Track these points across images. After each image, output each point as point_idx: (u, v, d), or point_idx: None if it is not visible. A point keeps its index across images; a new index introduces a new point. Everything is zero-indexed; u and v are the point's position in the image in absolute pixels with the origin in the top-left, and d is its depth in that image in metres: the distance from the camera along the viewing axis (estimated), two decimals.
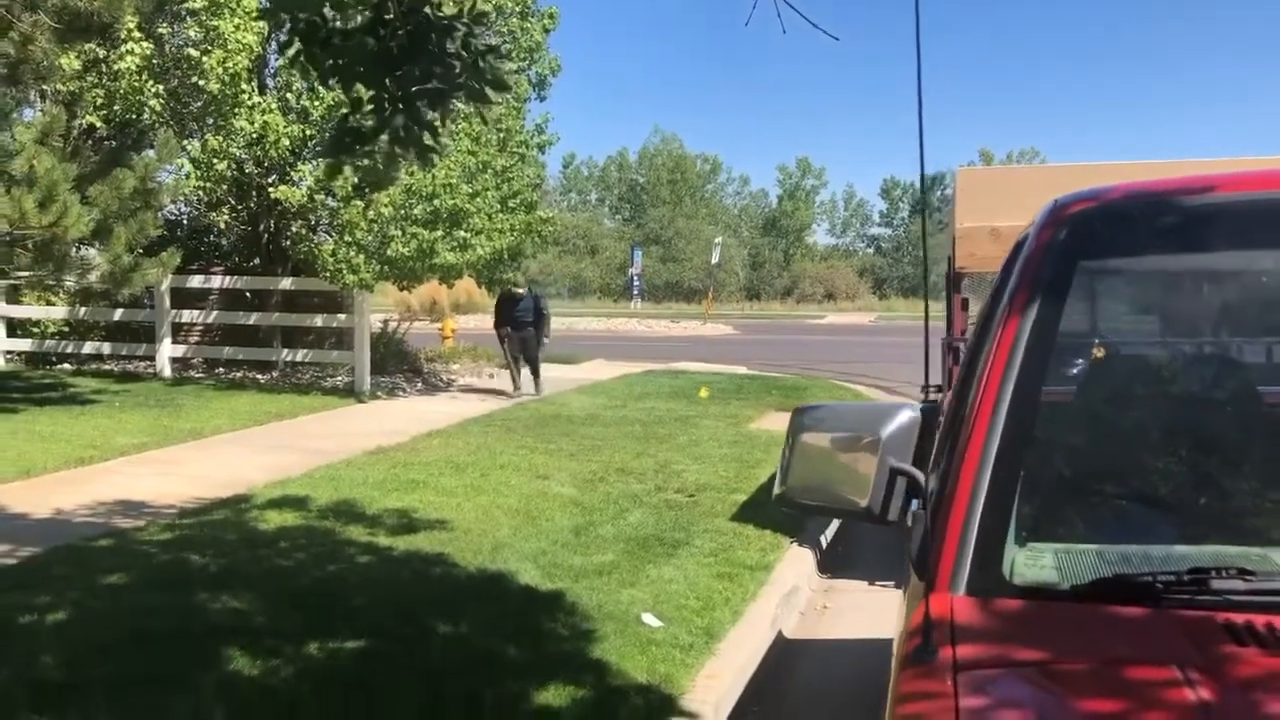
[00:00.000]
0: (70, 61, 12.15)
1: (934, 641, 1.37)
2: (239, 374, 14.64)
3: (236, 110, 12.55)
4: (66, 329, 15.05)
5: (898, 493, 1.76)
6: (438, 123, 3.36)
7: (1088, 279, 1.89)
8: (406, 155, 3.27)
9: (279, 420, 11.30)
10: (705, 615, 5.13)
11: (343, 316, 14.07)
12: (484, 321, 33.62)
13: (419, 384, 15.21)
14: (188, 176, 13.07)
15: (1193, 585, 1.40)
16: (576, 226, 63.58)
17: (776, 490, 1.93)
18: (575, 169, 72.20)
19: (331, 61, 3.20)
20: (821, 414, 1.86)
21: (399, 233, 12.46)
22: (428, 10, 3.30)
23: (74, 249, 10.45)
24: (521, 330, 14.76)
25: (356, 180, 12.24)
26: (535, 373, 14.80)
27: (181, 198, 15.13)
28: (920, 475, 1.75)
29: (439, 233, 12.53)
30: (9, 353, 14.85)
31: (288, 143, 12.66)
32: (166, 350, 14.30)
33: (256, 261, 15.31)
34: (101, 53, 12.85)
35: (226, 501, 7.18)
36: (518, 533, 6.52)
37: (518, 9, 15.82)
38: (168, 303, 14.15)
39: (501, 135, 14.56)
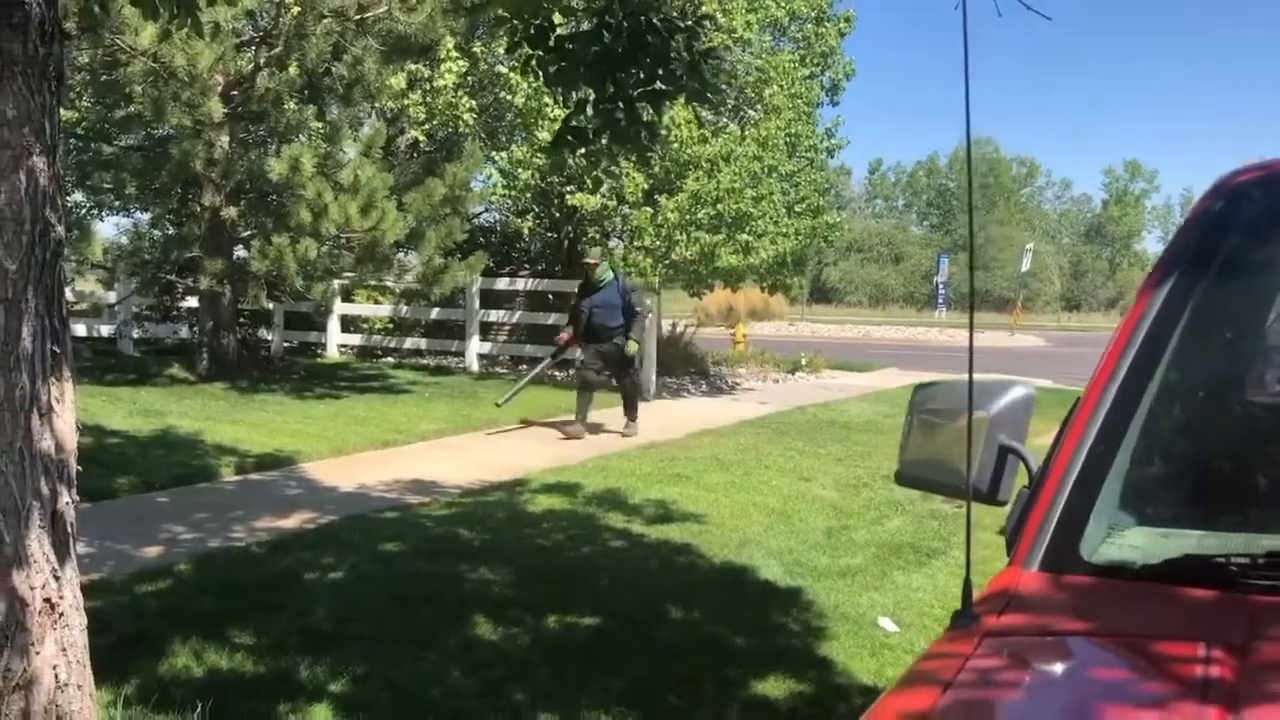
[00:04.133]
0: (397, 80, 13.41)
1: (982, 610, 1.33)
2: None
3: (540, 122, 13.35)
4: (390, 326, 16.54)
5: (1009, 472, 1.69)
6: (655, 122, 3.49)
7: (1245, 256, 1.71)
8: (625, 153, 3.43)
9: (569, 414, 11.88)
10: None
11: None
12: (778, 329, 33.87)
13: (703, 386, 15.52)
14: (495, 185, 14.05)
15: (1269, 569, 1.28)
16: (881, 234, 62.42)
17: (897, 469, 1.90)
18: (882, 174, 70.95)
19: (557, 66, 3.41)
20: (937, 390, 1.81)
21: (683, 237, 12.81)
22: (651, 15, 3.43)
23: (391, 251, 11.49)
24: (602, 338, 10.08)
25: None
26: (630, 401, 10.37)
27: (493, 205, 16.31)
28: (1028, 454, 1.68)
29: (720, 236, 12.75)
30: (342, 346, 16.50)
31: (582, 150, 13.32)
32: (475, 347, 15.40)
33: (560, 267, 16.25)
34: (425, 72, 14.09)
35: (504, 485, 7.68)
36: (769, 530, 6.57)
37: (813, 14, 15.82)
38: (477, 303, 15.22)
39: (790, 140, 14.64)
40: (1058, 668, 1.24)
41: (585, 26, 3.44)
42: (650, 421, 11.27)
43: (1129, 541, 1.47)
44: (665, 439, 10.05)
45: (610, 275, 10.13)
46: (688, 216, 12.82)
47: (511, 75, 13.26)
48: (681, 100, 3.57)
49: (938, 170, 68.58)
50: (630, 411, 10.38)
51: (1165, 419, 1.63)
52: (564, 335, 10.48)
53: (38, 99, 2.54)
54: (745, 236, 13.24)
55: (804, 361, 18.94)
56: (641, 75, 3.50)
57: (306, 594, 4.85)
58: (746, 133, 13.55)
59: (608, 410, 10.98)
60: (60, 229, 2.67)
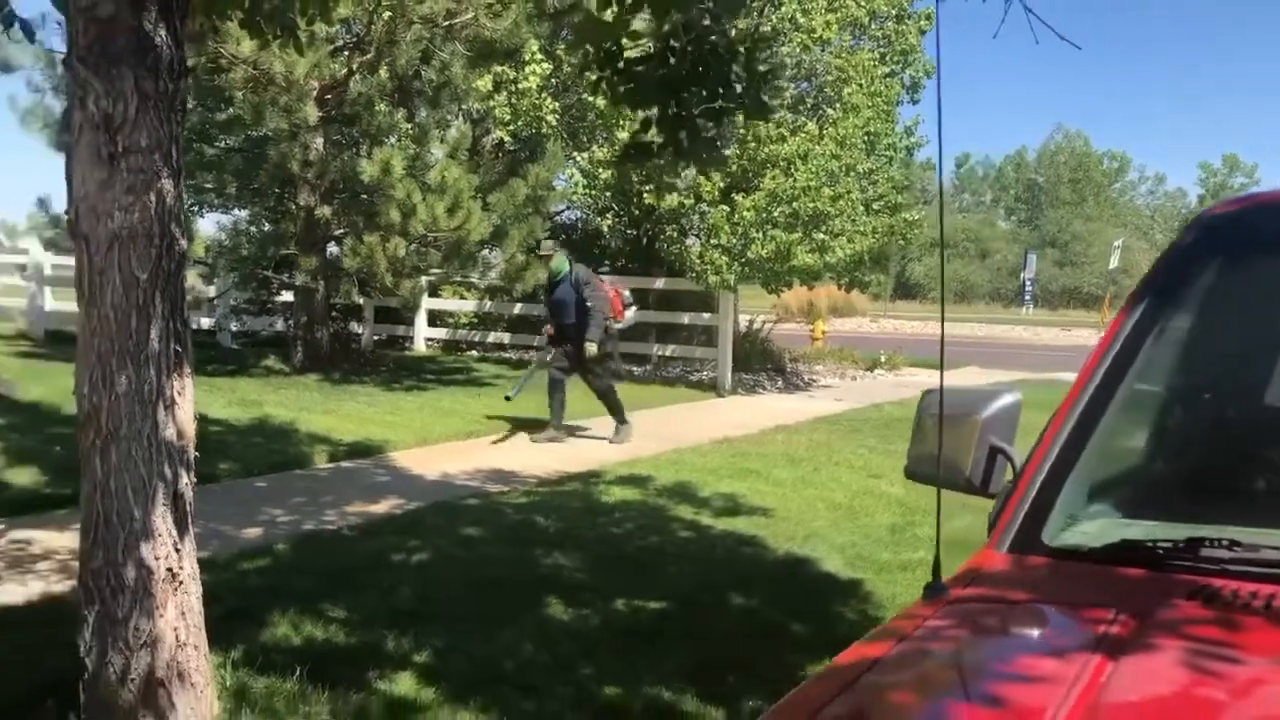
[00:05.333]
0: (484, 83, 13.82)
1: (951, 583, 1.58)
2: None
3: (620, 124, 13.63)
4: (475, 320, 17.03)
5: (998, 469, 1.93)
6: (716, 138, 3.74)
7: (1214, 283, 1.91)
8: (687, 166, 3.70)
9: (644, 409, 12.15)
10: None
11: (706, 316, 14.84)
12: (859, 325, 33.75)
13: (779, 382, 15.69)
14: (576, 185, 14.40)
15: (1188, 552, 1.50)
16: (967, 229, 61.60)
17: (906, 465, 2.15)
18: (970, 169, 69.98)
19: (625, 86, 3.67)
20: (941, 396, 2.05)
21: (759, 235, 12.99)
22: (713, 39, 3.67)
23: (476, 249, 11.89)
24: (565, 337, 9.60)
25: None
26: (608, 405, 9.74)
27: (574, 204, 16.68)
28: (1014, 452, 1.91)
29: (797, 235, 12.91)
30: (429, 340, 17.03)
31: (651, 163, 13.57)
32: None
33: (638, 264, 16.58)
34: (511, 74, 14.47)
35: (580, 476, 8.00)
36: (835, 525, 6.77)
37: (893, 12, 15.85)
38: None
39: (869, 138, 14.72)
40: (992, 628, 1.48)
41: (651, 49, 3.70)
42: (724, 418, 11.51)
43: (1084, 529, 1.70)
44: (739, 435, 10.28)
45: (565, 268, 9.53)
46: (764, 215, 13.00)
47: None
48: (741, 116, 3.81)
49: (1026, 165, 67.44)
50: (615, 415, 9.72)
51: (1126, 424, 1.86)
52: (548, 328, 10.03)
53: (166, 128, 2.88)
54: (821, 235, 13.37)
55: (883, 359, 18.99)
56: (704, 93, 3.75)
57: (393, 574, 5.21)
58: (825, 131, 13.68)
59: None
60: (184, 242, 3.03)
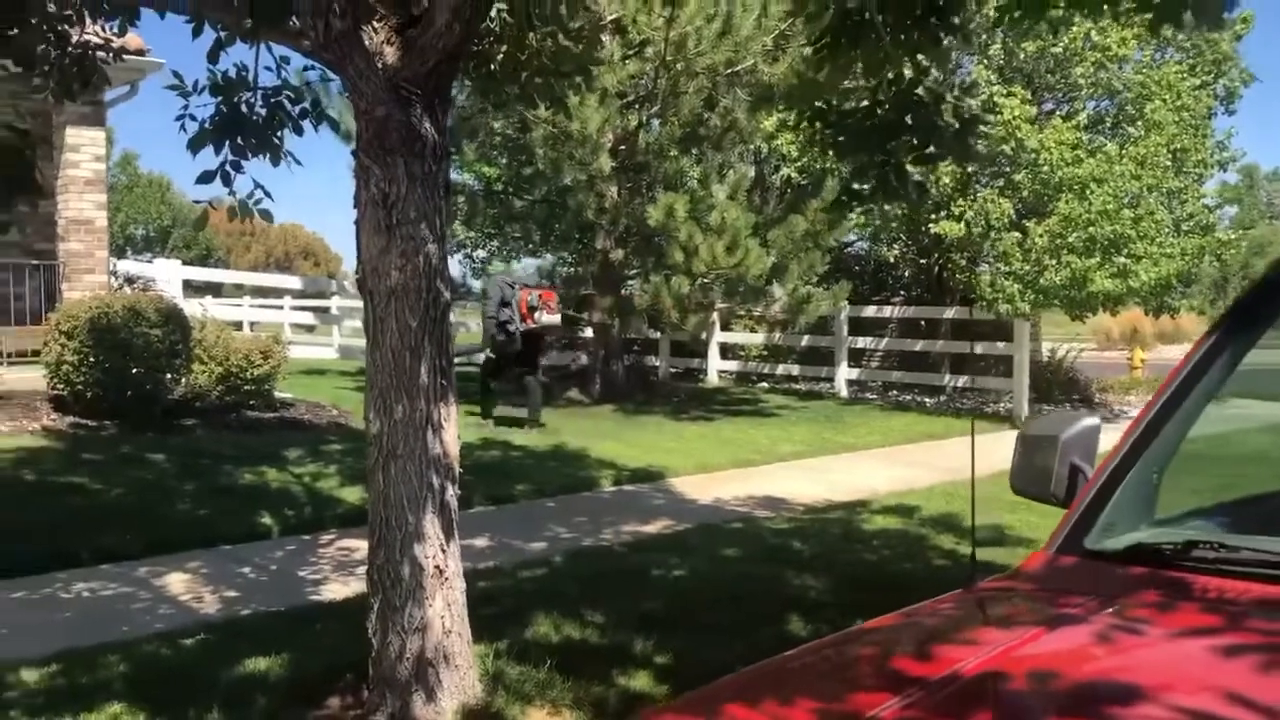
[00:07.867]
0: (769, 124, 14.31)
1: (987, 577, 1.79)
2: (907, 397, 15.80)
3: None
4: (765, 353, 17.49)
5: (1080, 484, 2.09)
6: (924, 181, 3.97)
7: None
8: (895, 207, 3.93)
9: (928, 440, 12.13)
10: None
11: (1001, 345, 14.50)
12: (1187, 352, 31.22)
13: None
14: (859, 217, 14.57)
15: (1184, 553, 1.64)
16: None
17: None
18: None
19: (836, 139, 3.98)
20: (1038, 418, 2.23)
21: (1054, 261, 12.61)
22: (918, 91, 3.92)
23: (757, 284, 12.34)
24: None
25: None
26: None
27: (863, 235, 16.81)
28: (1089, 470, 2.07)
29: (1094, 260, 12.42)
30: (722, 371, 17.66)
31: (948, 180, 13.51)
32: (843, 373, 15.94)
33: (930, 293, 16.48)
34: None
35: (846, 504, 8.21)
36: None
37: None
38: (845, 330, 15.77)
39: (1178, 154, 13.92)
40: (979, 609, 1.69)
41: (860, 103, 3.99)
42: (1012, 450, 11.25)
43: (1120, 535, 1.86)
44: None
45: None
46: (1058, 240, 12.62)
47: None
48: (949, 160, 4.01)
49: None
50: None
51: (1180, 443, 1.99)
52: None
53: (431, 202, 3.51)
54: (1123, 259, 12.78)
55: None
56: (914, 141, 3.99)
57: (650, 586, 5.69)
58: (1124, 151, 13.09)
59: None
60: (447, 295, 3.64)
